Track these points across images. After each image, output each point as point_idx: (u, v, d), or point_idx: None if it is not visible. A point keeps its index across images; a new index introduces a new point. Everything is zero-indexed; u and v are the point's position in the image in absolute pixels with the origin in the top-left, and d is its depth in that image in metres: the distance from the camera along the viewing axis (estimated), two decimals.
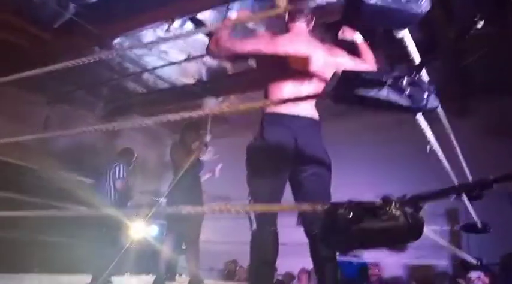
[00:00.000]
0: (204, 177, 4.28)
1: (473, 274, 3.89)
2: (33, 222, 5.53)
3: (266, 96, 2.33)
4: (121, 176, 4.97)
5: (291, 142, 2.16)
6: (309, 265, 6.62)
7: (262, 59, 2.39)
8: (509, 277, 4.19)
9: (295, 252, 6.62)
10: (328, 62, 2.25)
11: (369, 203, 1.29)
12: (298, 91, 2.13)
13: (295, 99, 1.47)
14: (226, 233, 7.61)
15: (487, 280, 3.82)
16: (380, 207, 1.27)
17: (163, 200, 5.77)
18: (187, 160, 3.81)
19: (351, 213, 1.29)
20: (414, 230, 1.30)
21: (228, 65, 3.37)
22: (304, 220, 2.22)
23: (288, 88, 2.20)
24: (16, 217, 4.86)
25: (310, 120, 2.24)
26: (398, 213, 1.29)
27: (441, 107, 2.03)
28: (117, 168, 5.03)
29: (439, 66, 5.15)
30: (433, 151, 1.87)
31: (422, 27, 4.28)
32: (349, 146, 6.81)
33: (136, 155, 5.55)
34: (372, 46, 2.47)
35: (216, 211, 1.65)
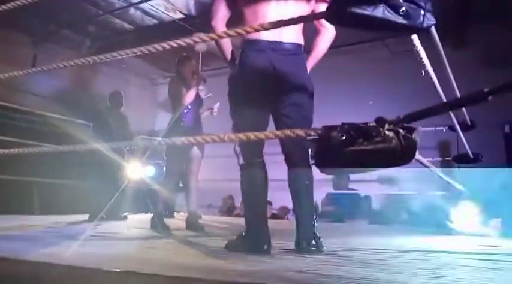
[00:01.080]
0: (203, 114, 4.20)
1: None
2: (32, 165, 5.56)
3: (245, 20, 2.14)
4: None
5: (269, 69, 2.05)
6: None
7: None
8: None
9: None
10: None
11: (362, 125, 1.28)
12: (283, 14, 1.96)
13: (284, 23, 1.40)
14: (223, 171, 7.73)
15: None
16: (373, 128, 1.26)
17: (160, 139, 5.77)
18: (186, 94, 3.70)
19: (344, 135, 1.29)
20: (407, 152, 1.29)
21: None
22: (285, 149, 2.21)
23: (271, 10, 2.05)
24: (14, 160, 4.89)
25: (292, 45, 2.10)
26: (391, 134, 1.28)
27: (440, 37, 1.97)
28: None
29: None
30: (427, 76, 1.83)
31: None
32: (343, 77, 6.76)
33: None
34: None
35: (209, 141, 1.64)
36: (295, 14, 1.73)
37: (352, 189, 6.66)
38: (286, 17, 1.50)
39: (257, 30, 1.48)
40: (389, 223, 6.19)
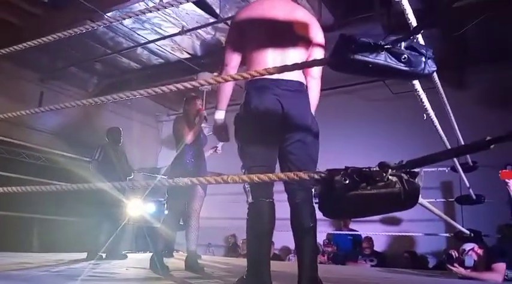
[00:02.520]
0: (207, 153, 4.22)
1: (467, 246, 3.93)
2: (32, 201, 5.54)
3: (248, 65, 2.18)
4: (95, 158, 5.06)
5: (278, 107, 2.05)
6: None
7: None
8: (506, 244, 4.25)
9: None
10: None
11: (366, 169, 1.28)
12: (283, 59, 2.04)
13: (288, 68, 1.43)
14: (223, 209, 7.68)
15: (480, 251, 3.86)
16: (376, 173, 1.26)
17: (161, 177, 5.76)
18: (189, 133, 3.74)
19: (348, 180, 1.29)
20: (410, 197, 1.30)
21: None
22: (288, 188, 2.18)
23: (273, 58, 2.09)
24: (14, 196, 4.87)
25: (297, 82, 2.12)
26: (394, 179, 1.28)
27: (440, 77, 2.01)
28: (95, 151, 5.15)
29: (438, 35, 5.10)
30: (429, 120, 1.85)
31: None
32: (345, 117, 6.82)
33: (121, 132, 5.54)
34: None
35: (212, 182, 1.64)
36: (293, 60, 1.78)
37: (352, 230, 6.57)
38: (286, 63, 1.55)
39: (262, 75, 1.51)
40: (392, 265, 6.07)
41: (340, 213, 1.47)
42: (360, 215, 2.08)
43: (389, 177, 1.26)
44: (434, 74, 1.92)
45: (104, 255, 4.75)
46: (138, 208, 5.92)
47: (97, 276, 2.91)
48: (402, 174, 1.28)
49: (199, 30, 5.91)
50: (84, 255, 4.63)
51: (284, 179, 1.42)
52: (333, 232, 6.75)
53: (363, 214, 1.60)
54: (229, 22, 5.67)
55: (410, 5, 1.54)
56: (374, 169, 1.27)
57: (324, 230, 6.66)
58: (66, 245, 5.63)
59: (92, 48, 6.55)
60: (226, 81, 1.59)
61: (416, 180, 1.30)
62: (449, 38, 5.24)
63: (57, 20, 5.35)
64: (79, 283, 2.45)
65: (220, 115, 2.37)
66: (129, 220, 5.67)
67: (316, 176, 1.40)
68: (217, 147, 4.24)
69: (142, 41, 6.31)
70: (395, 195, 1.27)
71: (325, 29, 5.37)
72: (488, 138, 0.94)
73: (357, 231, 6.49)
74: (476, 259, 3.84)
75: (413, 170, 1.27)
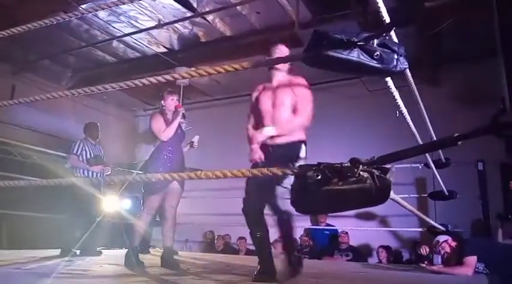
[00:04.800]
0: (184, 148, 4.16)
1: (441, 238, 4.01)
2: (0, 196, 5.39)
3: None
4: (74, 151, 5.00)
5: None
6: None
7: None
8: (478, 240, 4.36)
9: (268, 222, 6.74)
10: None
11: (337, 165, 1.29)
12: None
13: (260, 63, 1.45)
14: (201, 205, 7.65)
15: (454, 244, 3.94)
16: (348, 168, 1.28)
17: (138, 172, 5.69)
18: (166, 129, 3.69)
19: (320, 175, 1.30)
20: (381, 192, 1.31)
21: None
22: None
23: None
24: None
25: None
26: (365, 175, 1.30)
27: (415, 75, 2.05)
28: (73, 144, 5.08)
29: (413, 33, 5.18)
30: (401, 116, 1.88)
31: None
32: (320, 114, 6.86)
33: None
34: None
35: (185, 178, 1.63)
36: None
37: (329, 225, 6.65)
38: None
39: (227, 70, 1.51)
40: (367, 260, 6.18)
41: (312, 208, 1.47)
42: (332, 211, 2.13)
43: (361, 173, 1.28)
44: (408, 72, 1.96)
45: (78, 252, 4.67)
46: (114, 204, 5.84)
47: (70, 274, 2.85)
48: (373, 170, 1.30)
49: (176, 24, 5.85)
50: (57, 252, 4.54)
51: (257, 174, 1.42)
52: (310, 227, 6.81)
53: (334, 210, 1.62)
54: (206, 16, 5.66)
55: (385, 3, 1.55)
56: (346, 165, 1.28)
57: (301, 225, 6.71)
58: (38, 242, 5.49)
59: (66, 40, 6.40)
60: (200, 75, 1.58)
61: (387, 175, 1.32)
62: (424, 36, 5.33)
63: (29, 11, 5.19)
64: (51, 280, 2.40)
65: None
66: (105, 216, 5.59)
67: (288, 172, 1.41)
68: (193, 142, 4.19)
69: (118, 34, 6.20)
70: (367, 191, 1.28)
71: (303, 25, 5.41)
72: (456, 134, 0.96)
73: (334, 226, 6.57)
74: (449, 251, 3.92)
75: (384, 166, 1.29)
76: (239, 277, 2.87)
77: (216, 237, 7.41)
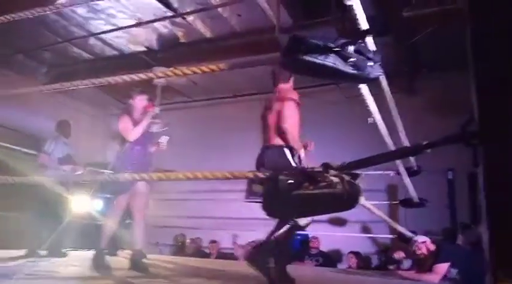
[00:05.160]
0: (152, 149, 4.08)
1: (420, 238, 3.98)
2: None
3: None
4: (44, 150, 4.89)
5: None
6: (254, 237, 6.77)
7: None
8: (453, 246, 4.42)
9: (241, 226, 6.73)
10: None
11: (309, 170, 1.30)
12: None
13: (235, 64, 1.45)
14: (172, 207, 7.57)
15: (432, 247, 3.89)
16: (319, 173, 1.28)
17: (110, 172, 5.59)
18: (134, 129, 3.63)
19: (291, 179, 1.30)
20: (351, 197, 1.32)
21: None
22: None
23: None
24: None
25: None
26: (336, 179, 1.31)
27: (392, 84, 2.07)
28: (45, 142, 4.99)
29: (391, 42, 5.27)
30: (375, 124, 1.90)
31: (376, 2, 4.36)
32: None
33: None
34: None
35: (155, 179, 1.60)
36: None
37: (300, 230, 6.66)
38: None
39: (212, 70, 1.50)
40: (337, 265, 6.22)
41: (283, 212, 1.47)
42: (303, 215, 2.13)
43: (332, 178, 1.29)
44: (383, 79, 1.98)
45: (43, 253, 4.55)
46: (85, 204, 5.72)
47: (35, 275, 2.77)
48: (344, 176, 1.31)
49: (155, 24, 5.78)
50: (22, 252, 4.40)
51: (229, 177, 1.40)
52: None
53: (305, 214, 1.63)
54: (186, 17, 5.62)
55: (364, 11, 1.57)
56: (317, 169, 1.29)
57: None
58: (3, 242, 5.31)
59: (42, 35, 6.24)
60: (176, 75, 1.56)
61: (357, 181, 1.33)
62: (401, 46, 5.43)
63: (1, 4, 5.04)
64: (13, 282, 2.32)
65: None
66: (75, 216, 5.46)
67: (261, 175, 1.40)
68: (161, 143, 4.07)
69: (96, 31, 6.09)
70: (337, 196, 1.29)
71: (283, 30, 5.43)
72: (425, 142, 0.97)
73: (305, 231, 6.59)
74: (426, 253, 3.91)
75: (354, 172, 1.30)
76: (208, 281, 2.84)
77: (187, 240, 7.33)
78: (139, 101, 3.78)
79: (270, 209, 1.37)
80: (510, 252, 0.77)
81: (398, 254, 4.94)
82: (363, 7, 1.56)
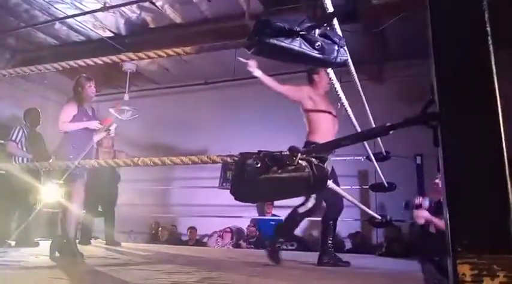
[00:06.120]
0: (99, 135, 3.95)
1: (425, 202, 3.99)
2: None
3: None
4: (13, 138, 4.77)
5: None
6: (232, 224, 6.81)
7: None
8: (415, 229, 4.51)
9: (217, 212, 6.74)
10: None
11: (277, 153, 1.30)
12: None
13: (203, 48, 1.42)
14: (146, 196, 7.51)
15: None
16: (287, 157, 1.29)
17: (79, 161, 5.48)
18: (72, 123, 3.56)
19: (259, 163, 1.30)
20: (319, 181, 1.34)
21: None
22: None
23: None
24: None
25: None
26: (304, 163, 1.32)
27: (361, 71, 2.10)
28: (12, 130, 4.88)
29: (359, 30, 5.32)
30: (343, 108, 1.92)
31: None
32: (266, 106, 6.95)
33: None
34: None
35: (121, 165, 1.57)
36: None
37: (275, 215, 6.75)
38: None
39: (168, 54, 1.47)
40: (311, 249, 6.32)
41: (252, 196, 1.46)
42: (271, 199, 2.15)
43: (300, 161, 1.30)
44: (351, 65, 2.00)
45: (12, 243, 4.45)
46: (55, 193, 5.60)
47: (3, 265, 2.71)
48: (312, 159, 1.32)
49: (123, 8, 5.64)
50: None
51: (196, 162, 1.39)
52: (256, 217, 6.88)
53: (274, 198, 1.64)
54: (155, 2, 5.50)
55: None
56: (285, 153, 1.29)
57: (248, 215, 6.76)
58: None
59: (3, 20, 5.99)
60: (140, 58, 1.53)
61: (325, 164, 1.35)
62: (370, 34, 5.49)
63: None
64: None
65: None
66: (44, 206, 5.36)
67: (229, 159, 1.40)
68: (110, 130, 3.96)
69: (61, 16, 5.89)
70: (305, 179, 1.30)
71: (254, 17, 5.40)
72: (388, 124, 0.99)
73: (279, 216, 6.67)
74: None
75: (322, 155, 1.31)
76: (181, 267, 2.84)
77: (160, 228, 7.30)
78: (89, 88, 3.71)
79: (238, 193, 1.37)
80: (467, 228, 0.80)
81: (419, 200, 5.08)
82: None
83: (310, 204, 3.19)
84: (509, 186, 0.78)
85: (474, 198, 0.79)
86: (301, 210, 3.23)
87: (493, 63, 0.84)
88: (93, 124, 3.67)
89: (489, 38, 0.86)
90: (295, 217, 3.34)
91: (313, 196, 3.17)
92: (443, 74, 0.86)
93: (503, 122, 0.81)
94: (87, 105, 3.75)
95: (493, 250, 0.76)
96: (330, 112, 3.53)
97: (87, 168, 3.50)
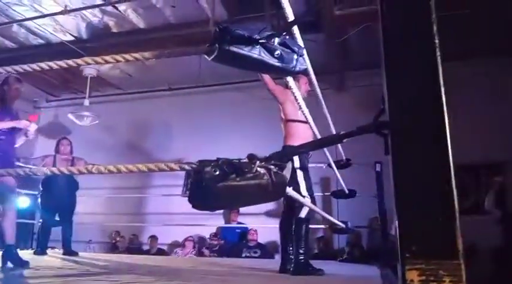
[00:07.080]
0: (20, 140, 3.77)
1: None
2: None
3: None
4: None
5: None
6: (193, 232, 6.72)
7: None
8: (374, 235, 4.66)
9: (181, 221, 6.65)
10: None
11: (236, 161, 1.30)
12: None
13: (163, 53, 1.41)
14: (105, 205, 7.33)
15: None
16: (245, 164, 1.29)
17: (36, 167, 5.28)
18: None
19: (218, 171, 1.29)
20: (278, 188, 1.34)
21: None
22: None
23: None
24: None
25: None
26: (262, 170, 1.32)
27: (323, 80, 2.14)
28: None
29: (322, 40, 5.42)
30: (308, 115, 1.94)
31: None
32: (235, 113, 6.98)
33: None
34: None
35: (75, 173, 1.53)
36: None
37: (240, 223, 6.73)
38: None
39: (136, 59, 1.45)
40: (274, 256, 6.34)
41: (210, 204, 1.45)
42: (230, 207, 2.14)
43: (258, 169, 1.30)
44: (312, 74, 2.03)
45: None
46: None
47: None
48: (270, 166, 1.32)
49: (85, 12, 5.51)
50: None
51: (154, 170, 1.37)
52: (222, 225, 6.84)
53: (232, 206, 1.63)
54: (118, 6, 5.41)
55: (297, 8, 1.59)
56: (243, 160, 1.29)
57: (213, 223, 6.71)
58: None
59: None
60: (107, 62, 1.49)
61: (284, 172, 1.36)
62: (332, 43, 5.61)
63: None
64: None
65: None
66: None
67: (187, 167, 1.38)
68: (28, 131, 3.64)
69: (19, 18, 5.68)
70: (263, 186, 1.30)
71: (218, 24, 5.38)
72: (342, 132, 1.00)
73: (244, 224, 6.66)
74: None
75: (280, 163, 1.32)
76: (140, 277, 2.78)
77: (119, 237, 7.11)
78: (15, 90, 3.59)
79: (196, 201, 1.35)
80: (416, 235, 0.81)
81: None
82: (296, 4, 1.59)
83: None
84: (455, 194, 0.81)
85: (422, 206, 0.81)
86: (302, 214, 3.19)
87: (440, 74, 0.87)
88: (23, 123, 3.51)
89: (437, 50, 0.90)
90: (301, 224, 3.26)
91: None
92: (393, 84, 0.88)
93: (449, 131, 0.84)
94: (11, 108, 3.59)
95: (439, 256, 0.79)
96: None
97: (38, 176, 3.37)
